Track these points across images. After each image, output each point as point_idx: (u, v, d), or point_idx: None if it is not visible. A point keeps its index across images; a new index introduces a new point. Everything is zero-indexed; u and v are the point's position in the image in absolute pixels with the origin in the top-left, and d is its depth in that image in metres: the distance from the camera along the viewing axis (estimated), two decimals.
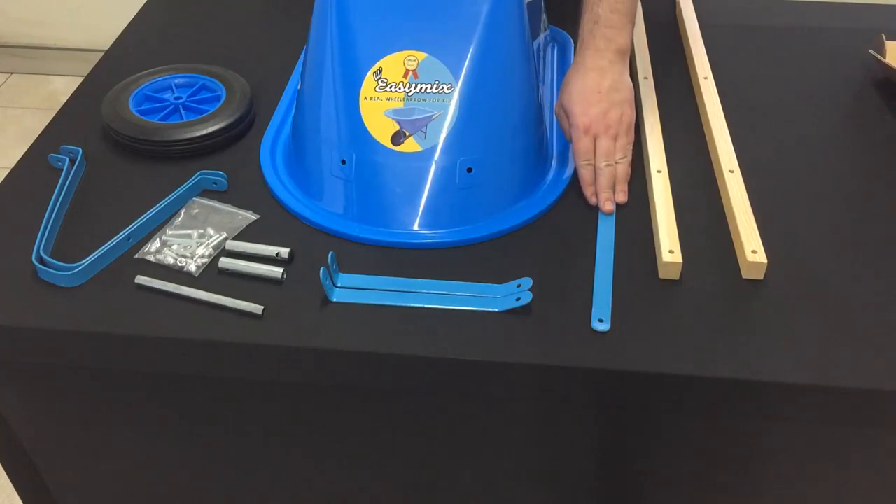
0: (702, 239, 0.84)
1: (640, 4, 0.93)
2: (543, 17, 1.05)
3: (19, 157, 0.95)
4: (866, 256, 0.83)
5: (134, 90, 0.98)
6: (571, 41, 1.14)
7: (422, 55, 0.84)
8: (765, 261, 0.79)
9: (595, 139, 0.87)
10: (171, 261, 0.81)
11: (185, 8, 1.24)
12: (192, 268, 0.80)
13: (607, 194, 0.87)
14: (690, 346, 0.73)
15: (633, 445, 0.82)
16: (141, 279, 0.79)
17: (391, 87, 0.84)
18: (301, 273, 0.80)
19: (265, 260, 0.81)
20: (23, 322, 0.76)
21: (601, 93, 0.87)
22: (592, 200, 0.87)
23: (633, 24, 0.91)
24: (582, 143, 0.87)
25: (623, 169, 0.88)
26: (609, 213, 0.86)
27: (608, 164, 0.87)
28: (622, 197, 0.88)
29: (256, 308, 0.76)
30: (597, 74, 0.88)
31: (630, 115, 0.89)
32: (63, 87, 2.51)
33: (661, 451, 0.82)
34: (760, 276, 0.80)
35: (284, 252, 0.81)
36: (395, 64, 0.85)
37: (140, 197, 0.87)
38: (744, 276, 0.80)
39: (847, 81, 1.08)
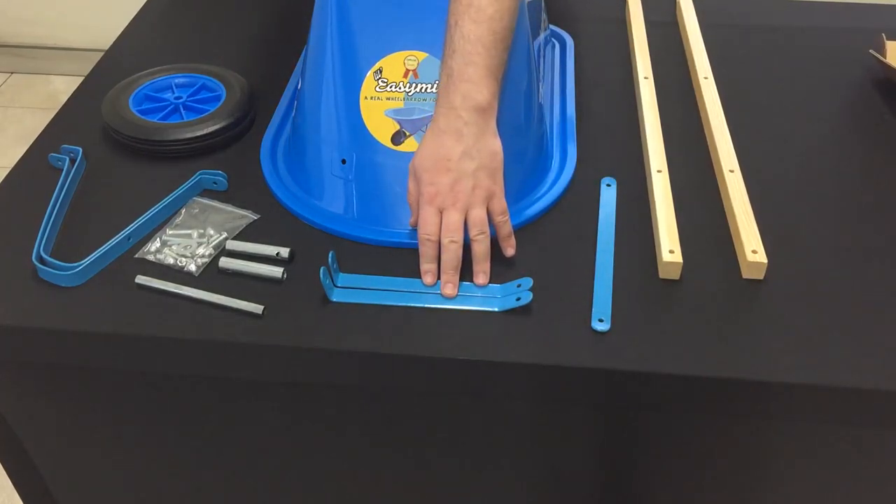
0: (702, 239, 0.84)
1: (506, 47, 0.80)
2: (543, 16, 1.05)
3: (19, 156, 0.95)
4: (866, 256, 0.83)
5: (134, 90, 0.98)
6: (571, 41, 1.14)
7: (422, 55, 0.84)
8: (765, 261, 0.79)
9: (442, 212, 0.77)
10: (171, 261, 0.81)
11: (185, 8, 1.24)
12: (192, 267, 0.80)
13: (448, 275, 0.77)
14: (690, 346, 0.73)
15: (633, 445, 0.82)
16: (141, 279, 0.79)
17: (391, 86, 0.84)
18: (301, 273, 0.80)
19: (265, 260, 0.81)
20: (23, 322, 0.76)
21: (451, 160, 0.77)
22: (426, 280, 0.78)
23: (496, 75, 0.79)
24: (424, 215, 0.77)
25: (481, 248, 0.78)
26: (449, 297, 0.77)
27: (452, 241, 0.77)
28: (482, 279, 0.78)
29: (256, 308, 0.76)
30: (451, 139, 0.77)
31: (488, 185, 0.78)
32: (63, 87, 2.51)
33: (661, 451, 0.82)
34: (760, 276, 0.80)
35: (284, 252, 0.81)
36: (395, 63, 0.85)
37: (140, 197, 0.87)
38: (744, 276, 0.80)
39: (847, 81, 1.08)
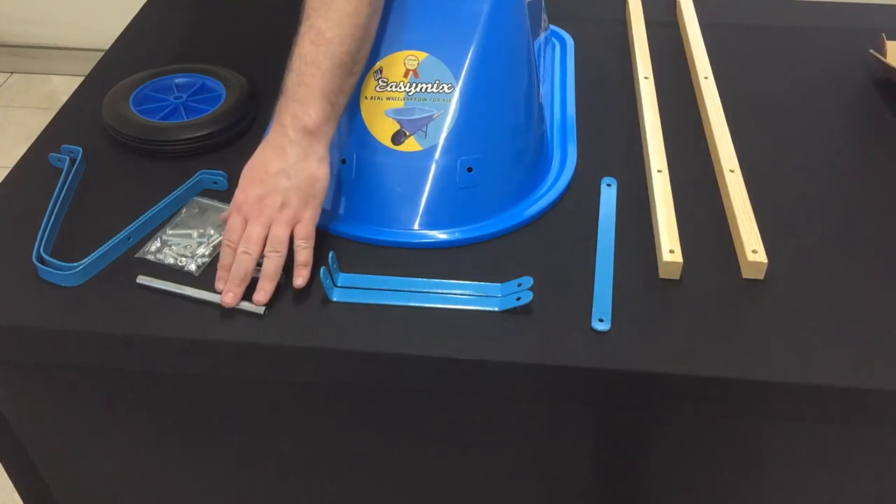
0: (702, 239, 0.84)
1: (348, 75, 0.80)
2: (543, 16, 1.05)
3: (20, 156, 0.95)
4: (866, 256, 0.83)
5: (135, 90, 0.98)
6: (571, 41, 1.14)
7: (422, 55, 0.84)
8: (765, 261, 0.79)
9: (247, 221, 0.77)
10: (171, 260, 0.81)
11: (185, 8, 1.24)
12: (193, 267, 0.80)
13: (232, 285, 0.76)
14: (690, 346, 0.73)
15: (634, 445, 0.82)
16: (141, 279, 0.79)
17: (391, 86, 0.84)
18: None
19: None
20: (23, 322, 0.76)
21: (267, 174, 0.77)
22: (218, 286, 0.77)
23: (330, 99, 0.78)
24: (230, 221, 0.78)
25: (270, 265, 0.77)
26: (227, 306, 0.76)
27: (245, 252, 0.76)
28: (261, 296, 0.76)
29: (257, 308, 0.76)
30: (274, 153, 0.78)
31: (297, 207, 0.77)
32: (63, 87, 2.51)
33: (661, 451, 0.82)
34: (760, 276, 0.80)
35: None
36: (395, 63, 0.85)
37: (140, 196, 0.87)
38: (744, 276, 0.80)
39: (847, 81, 1.08)
